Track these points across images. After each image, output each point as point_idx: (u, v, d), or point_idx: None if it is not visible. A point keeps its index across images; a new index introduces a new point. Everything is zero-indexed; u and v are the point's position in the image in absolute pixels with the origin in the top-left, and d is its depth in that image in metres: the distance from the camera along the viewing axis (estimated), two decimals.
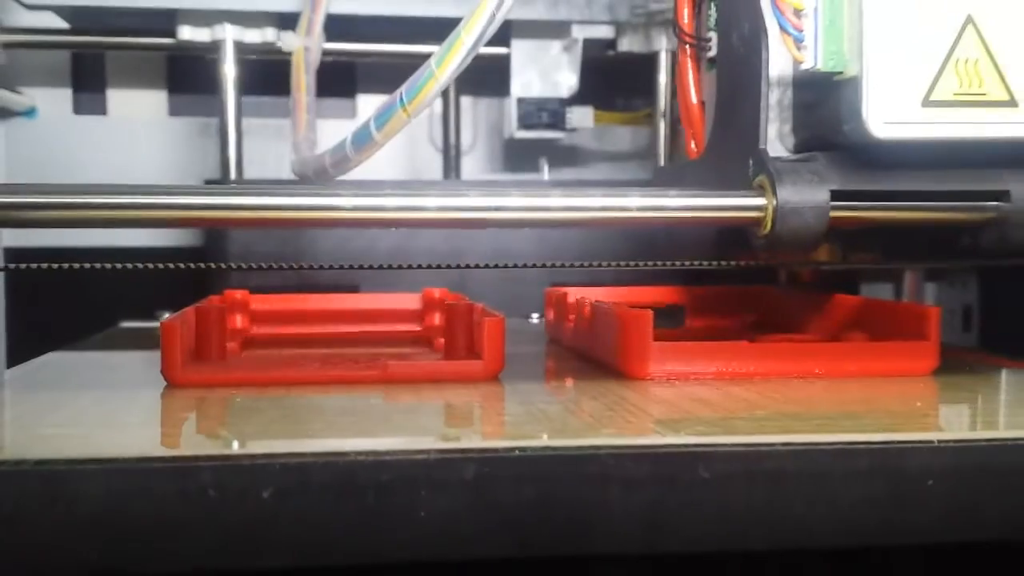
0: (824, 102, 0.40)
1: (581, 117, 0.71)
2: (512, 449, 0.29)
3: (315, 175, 0.49)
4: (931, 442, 0.31)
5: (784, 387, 0.40)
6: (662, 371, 0.41)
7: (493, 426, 0.35)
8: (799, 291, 0.53)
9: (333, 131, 0.76)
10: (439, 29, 0.68)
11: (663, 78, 0.70)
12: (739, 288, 0.56)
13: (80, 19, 0.68)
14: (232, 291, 0.53)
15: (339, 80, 0.78)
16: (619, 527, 0.30)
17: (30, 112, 0.75)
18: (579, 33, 0.67)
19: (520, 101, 0.70)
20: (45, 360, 0.47)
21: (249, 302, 0.53)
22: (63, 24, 0.68)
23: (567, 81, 0.70)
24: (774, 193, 0.39)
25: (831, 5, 0.38)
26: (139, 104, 0.77)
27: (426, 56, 0.72)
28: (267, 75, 0.68)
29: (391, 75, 0.78)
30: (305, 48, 0.56)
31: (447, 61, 0.41)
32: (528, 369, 0.46)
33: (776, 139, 0.41)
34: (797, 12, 0.38)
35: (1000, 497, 0.31)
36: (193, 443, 0.31)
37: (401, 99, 0.42)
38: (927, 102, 0.38)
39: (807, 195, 0.38)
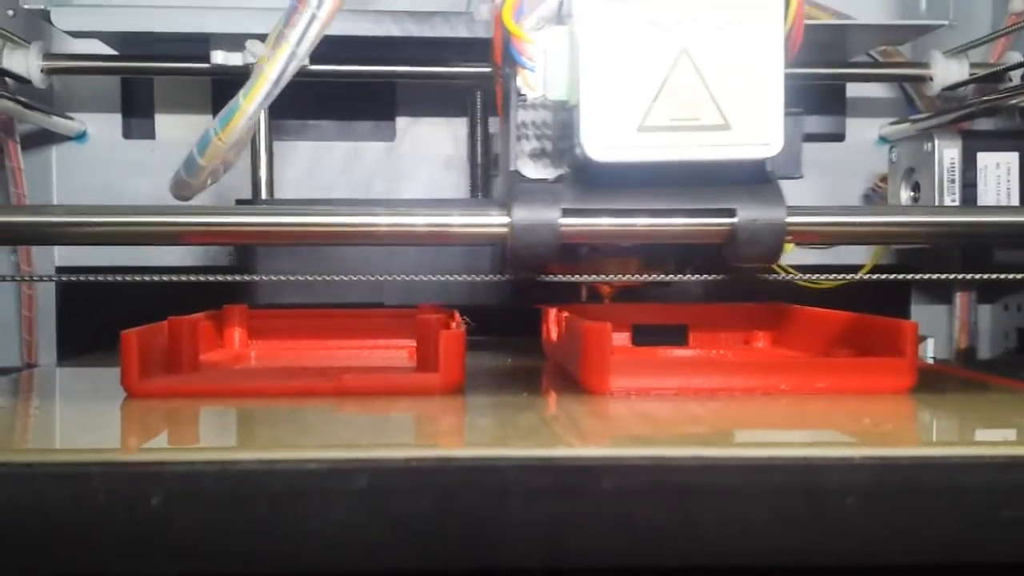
0: (568, 128, 0.42)
1: None
2: (408, 459, 0.29)
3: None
4: (851, 459, 0.30)
5: (744, 404, 0.38)
6: (623, 386, 0.40)
7: (409, 436, 0.34)
8: (802, 308, 0.51)
9: (374, 153, 0.78)
10: (465, 48, 0.70)
11: None
12: (744, 305, 0.55)
13: (125, 45, 0.70)
14: (231, 306, 0.53)
15: (379, 103, 0.79)
16: (518, 541, 0.29)
17: (81, 137, 0.77)
18: None
19: None
20: (28, 373, 0.49)
21: (246, 317, 0.53)
22: (111, 51, 0.71)
23: None
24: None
25: (554, 39, 0.41)
26: (186, 128, 0.79)
27: (463, 76, 0.74)
28: (296, 98, 0.69)
29: (431, 97, 0.79)
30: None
31: (252, 95, 0.42)
32: (497, 383, 0.45)
33: (549, 162, 0.43)
34: (529, 46, 0.41)
35: (925, 518, 0.29)
36: (93, 449, 0.31)
37: (215, 128, 0.44)
38: (643, 127, 0.39)
39: (539, 213, 0.41)
